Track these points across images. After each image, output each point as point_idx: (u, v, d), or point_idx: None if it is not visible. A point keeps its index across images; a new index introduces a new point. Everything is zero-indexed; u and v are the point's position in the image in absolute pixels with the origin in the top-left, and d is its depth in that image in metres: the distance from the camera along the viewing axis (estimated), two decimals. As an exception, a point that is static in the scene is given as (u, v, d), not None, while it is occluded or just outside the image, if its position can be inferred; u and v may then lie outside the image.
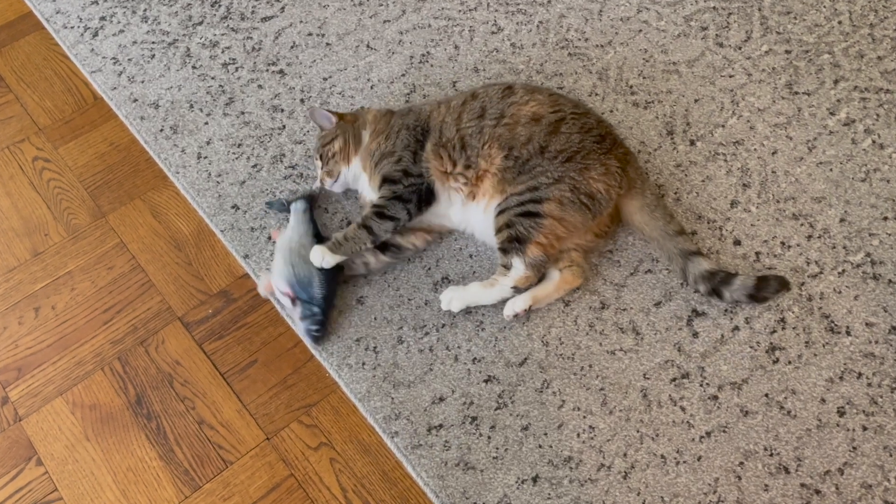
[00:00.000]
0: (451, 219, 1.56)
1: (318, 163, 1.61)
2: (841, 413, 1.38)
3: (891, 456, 1.33)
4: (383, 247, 1.53)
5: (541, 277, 1.49)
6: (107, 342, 1.56)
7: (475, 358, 1.48)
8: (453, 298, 1.48)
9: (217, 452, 1.42)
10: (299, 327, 1.49)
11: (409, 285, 1.58)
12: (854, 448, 1.34)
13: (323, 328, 1.46)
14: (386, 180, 1.52)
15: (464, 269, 1.59)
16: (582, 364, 1.46)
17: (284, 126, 1.83)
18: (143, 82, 1.93)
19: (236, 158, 1.78)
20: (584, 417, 1.40)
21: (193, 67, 1.95)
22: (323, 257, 1.47)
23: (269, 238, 1.62)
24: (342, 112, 1.64)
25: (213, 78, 1.93)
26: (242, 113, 1.85)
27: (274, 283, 1.49)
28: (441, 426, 1.41)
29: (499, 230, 1.47)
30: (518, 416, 1.41)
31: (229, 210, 1.70)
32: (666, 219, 1.49)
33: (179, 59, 1.97)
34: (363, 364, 1.49)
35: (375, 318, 1.54)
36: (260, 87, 1.90)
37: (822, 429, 1.37)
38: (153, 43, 2.01)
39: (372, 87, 1.88)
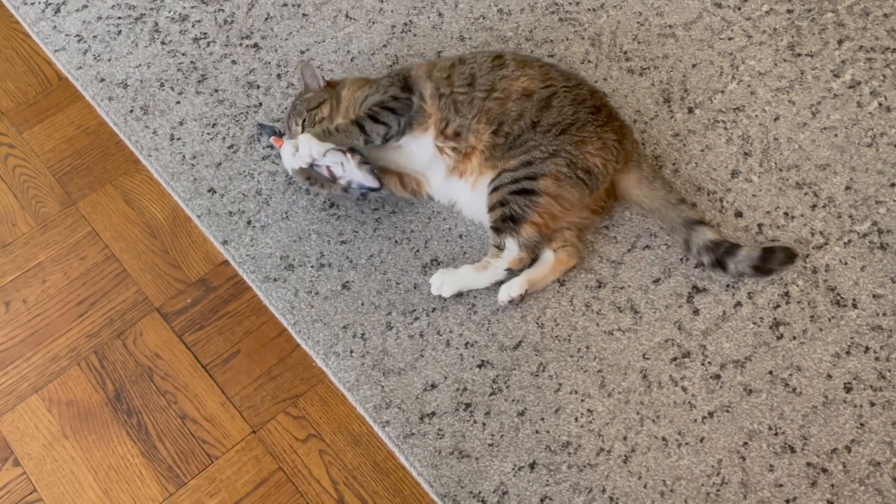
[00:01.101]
0: (430, 182, 1.56)
1: (297, 128, 1.58)
2: (848, 389, 1.39)
3: (899, 432, 1.34)
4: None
5: (534, 258, 1.49)
6: (82, 336, 1.55)
7: (468, 342, 1.48)
8: (444, 283, 1.47)
9: (201, 447, 1.43)
10: (360, 174, 1.47)
11: (396, 268, 1.57)
12: (861, 425, 1.35)
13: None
14: (374, 105, 1.51)
15: (454, 250, 1.58)
16: (579, 346, 1.46)
17: (261, 103, 1.81)
18: (109, 60, 1.91)
19: (211, 139, 1.77)
20: (582, 401, 1.41)
21: (163, 43, 1.93)
22: (310, 145, 1.47)
23: (270, 146, 1.65)
24: (329, 80, 1.63)
25: (183, 54, 1.90)
26: (216, 91, 1.83)
27: (314, 149, 1.47)
28: (434, 414, 1.41)
29: (492, 208, 1.47)
30: (513, 401, 1.42)
31: (205, 194, 1.69)
32: (666, 188, 1.49)
33: (147, 34, 1.95)
34: (351, 352, 1.49)
35: (363, 304, 1.54)
36: (234, 62, 1.88)
37: (829, 406, 1.38)
38: (119, 18, 1.98)
39: (352, 60, 1.86)
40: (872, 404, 1.37)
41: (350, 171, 1.50)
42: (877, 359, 1.41)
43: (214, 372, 1.49)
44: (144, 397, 1.48)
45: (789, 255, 1.49)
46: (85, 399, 1.49)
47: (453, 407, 1.42)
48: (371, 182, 1.49)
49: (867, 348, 1.42)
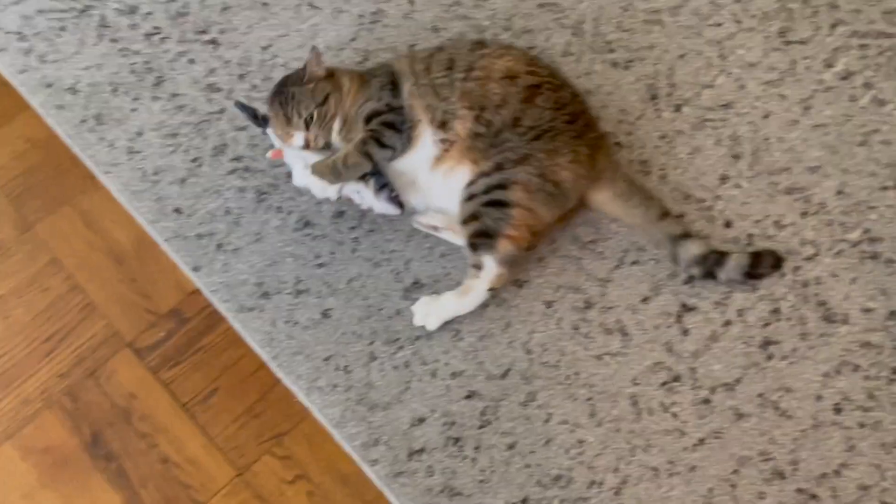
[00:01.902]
0: (418, 178, 1.50)
1: (299, 120, 1.45)
2: (837, 410, 1.40)
3: (888, 454, 1.37)
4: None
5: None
6: (52, 376, 1.52)
7: (454, 372, 1.47)
8: (428, 315, 1.45)
9: (186, 492, 1.42)
10: (379, 203, 1.45)
11: (377, 293, 1.54)
12: (851, 447, 1.38)
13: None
14: (371, 116, 1.46)
15: (436, 270, 1.55)
16: (567, 372, 1.46)
17: (223, 109, 1.73)
18: (55, 62, 1.80)
19: (173, 152, 1.69)
20: (573, 431, 1.42)
21: (112, 41, 1.82)
22: (324, 190, 1.43)
23: (269, 157, 1.56)
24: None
25: (136, 53, 1.80)
26: (174, 95, 1.74)
27: (329, 193, 1.45)
28: (423, 450, 1.41)
29: (465, 221, 1.43)
30: (503, 433, 1.42)
31: (171, 214, 1.63)
32: (645, 204, 1.46)
33: (94, 30, 1.83)
34: (335, 386, 1.47)
35: (344, 333, 1.51)
36: (191, 61, 1.78)
37: (819, 428, 1.40)
38: (62, 11, 1.86)
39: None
40: (862, 425, 1.40)
41: (369, 199, 1.46)
42: (866, 377, 1.43)
43: (194, 411, 1.47)
44: (123, 441, 1.46)
45: (777, 259, 1.50)
46: (61, 445, 1.47)
47: (442, 442, 1.42)
48: (391, 210, 1.45)
49: (857, 366, 1.43)
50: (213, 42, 1.80)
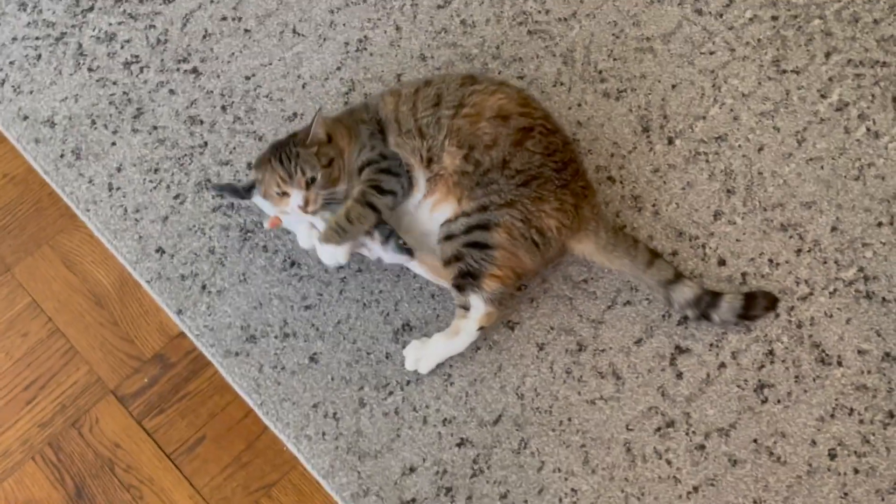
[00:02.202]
0: (405, 215, 1.49)
1: (300, 177, 1.39)
2: (832, 456, 1.40)
3: (882, 500, 1.37)
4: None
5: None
6: (33, 425, 1.49)
7: (445, 419, 1.45)
8: (420, 359, 1.43)
9: (174, 546, 1.40)
10: (388, 254, 1.43)
11: (366, 336, 1.52)
12: (845, 494, 1.38)
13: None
14: (365, 166, 1.43)
15: (426, 312, 1.53)
16: (560, 418, 1.45)
17: (206, 143, 1.69)
18: (31, 93, 1.75)
19: (154, 188, 1.65)
20: (566, 479, 1.41)
21: (90, 69, 1.77)
22: (334, 254, 1.40)
23: (268, 227, 1.51)
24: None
25: (114, 83, 1.76)
26: (155, 128, 1.70)
27: (339, 257, 1.42)
28: (414, 500, 1.40)
29: (447, 262, 1.42)
30: (495, 482, 1.41)
31: (153, 255, 1.60)
32: (630, 254, 1.44)
33: (72, 58, 1.79)
34: (323, 434, 1.45)
35: (332, 379, 1.49)
36: (172, 92, 1.74)
37: (813, 475, 1.39)
38: (37, 39, 1.81)
39: (304, 87, 1.73)
40: (856, 471, 1.39)
41: (377, 251, 1.44)
42: (861, 421, 1.42)
43: (180, 461, 1.45)
44: (108, 493, 1.44)
45: (771, 301, 1.49)
46: (44, 498, 1.44)
47: (434, 492, 1.41)
48: (402, 258, 1.43)
49: (852, 410, 1.43)
50: (195, 71, 1.76)
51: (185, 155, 1.68)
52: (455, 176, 1.41)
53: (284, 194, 1.40)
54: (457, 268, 1.40)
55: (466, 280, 1.40)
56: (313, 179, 1.39)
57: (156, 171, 1.67)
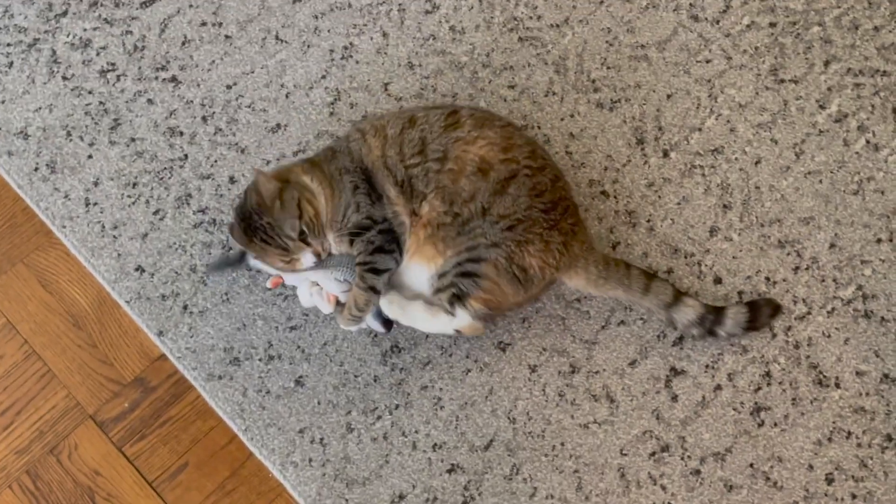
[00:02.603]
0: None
1: (297, 242, 1.37)
2: (829, 481, 1.39)
3: (880, 526, 1.36)
4: None
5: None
6: (10, 452, 1.46)
7: (435, 444, 1.44)
8: (393, 303, 1.41)
9: (156, 578, 1.38)
10: (370, 319, 1.43)
11: (353, 358, 1.50)
12: (842, 520, 1.37)
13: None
14: (356, 233, 1.40)
15: (415, 333, 1.52)
16: (553, 442, 1.43)
17: (186, 155, 1.65)
18: (3, 102, 1.71)
19: (133, 203, 1.62)
20: (559, 506, 1.39)
21: (64, 78, 1.73)
22: (354, 331, 1.45)
23: (270, 287, 1.49)
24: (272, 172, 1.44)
25: (90, 92, 1.71)
26: (133, 140, 1.67)
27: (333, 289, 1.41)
28: (403, 529, 1.39)
29: (440, 291, 1.40)
30: (487, 510, 1.40)
31: (133, 273, 1.57)
32: (623, 283, 1.42)
33: (45, 66, 1.74)
34: (310, 461, 1.43)
35: (319, 403, 1.47)
36: (150, 101, 1.70)
37: (810, 500, 1.39)
38: (9, 45, 1.76)
39: (287, 96, 1.70)
40: (854, 496, 1.39)
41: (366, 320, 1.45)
42: (859, 445, 1.41)
43: (162, 489, 1.43)
44: (88, 523, 1.41)
45: (775, 308, 1.49)
46: (22, 528, 1.42)
47: (424, 520, 1.39)
48: (378, 328, 1.45)
49: (849, 433, 1.42)
50: (174, 80, 1.72)
51: (165, 168, 1.64)
52: (430, 228, 1.38)
53: (293, 261, 1.38)
54: (448, 293, 1.39)
55: (455, 300, 1.39)
56: (303, 232, 1.35)
57: (134, 185, 1.63)
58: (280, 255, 1.37)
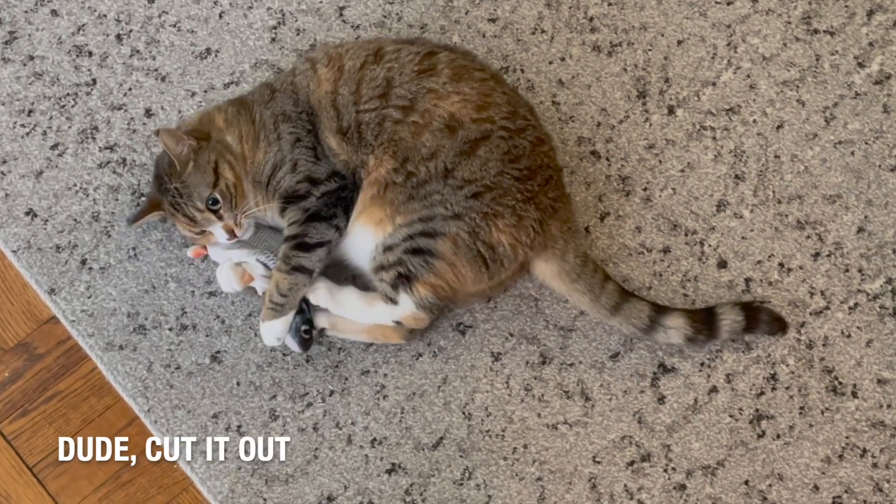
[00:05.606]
0: None
1: (208, 214, 1.39)
2: (836, 505, 1.42)
3: (892, 561, 1.39)
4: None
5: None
6: None
7: (375, 438, 1.46)
8: (322, 289, 1.42)
9: (31, 581, 1.39)
10: (289, 340, 1.45)
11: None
12: (849, 552, 1.40)
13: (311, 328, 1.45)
14: (289, 199, 1.41)
15: (358, 307, 1.51)
16: (514, 444, 1.45)
17: (95, 80, 1.65)
18: None
19: (27, 134, 1.62)
20: (516, 520, 1.42)
21: (-49, -22, 1.71)
22: (276, 335, 1.42)
23: (190, 256, 1.50)
24: (189, 129, 1.44)
25: (-18, -3, 1.70)
26: (32, 58, 1.66)
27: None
28: (330, 538, 1.40)
29: (383, 268, 1.41)
30: (430, 520, 1.42)
31: (22, 218, 1.57)
32: (593, 293, 1.43)
33: (-71, -38, 1.72)
34: (224, 451, 1.46)
35: (238, 384, 1.49)
36: (54, 13, 1.70)
37: (812, 527, 1.41)
38: None
39: (221, 16, 1.70)
40: (864, 525, 1.41)
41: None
42: (874, 465, 1.44)
43: (44, 476, 1.45)
44: (-48, 512, 1.42)
45: (778, 322, 1.50)
46: None
47: (355, 528, 1.41)
48: (293, 346, 1.45)
49: (864, 451, 1.45)
50: (85, -12, 1.71)
51: (68, 94, 1.64)
52: (377, 187, 1.38)
53: (203, 233, 1.39)
54: (393, 272, 1.39)
55: (400, 280, 1.39)
56: (215, 202, 1.36)
57: (30, 112, 1.63)
58: (188, 225, 1.38)
